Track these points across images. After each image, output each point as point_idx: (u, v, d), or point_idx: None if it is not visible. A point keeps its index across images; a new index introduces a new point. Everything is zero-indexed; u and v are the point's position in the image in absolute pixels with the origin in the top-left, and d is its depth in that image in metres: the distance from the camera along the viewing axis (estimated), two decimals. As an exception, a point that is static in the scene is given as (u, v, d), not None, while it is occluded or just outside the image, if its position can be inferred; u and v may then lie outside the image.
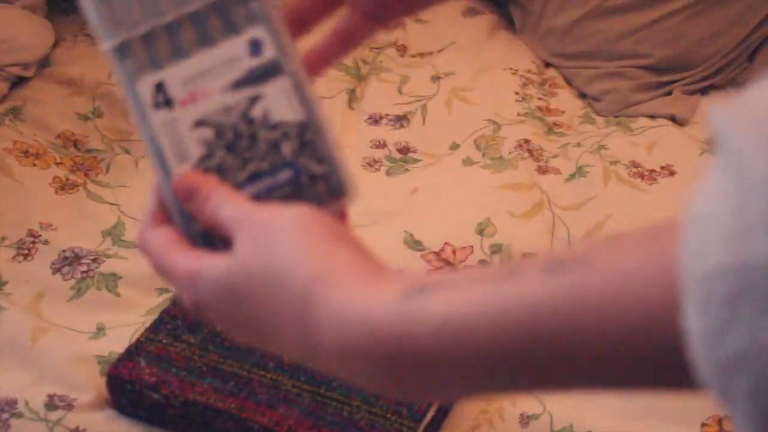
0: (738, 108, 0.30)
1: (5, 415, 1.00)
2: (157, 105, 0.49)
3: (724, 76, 1.63)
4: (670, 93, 1.59)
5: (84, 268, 1.20)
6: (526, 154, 1.43)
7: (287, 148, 0.49)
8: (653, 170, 1.42)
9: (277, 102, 0.49)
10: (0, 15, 1.51)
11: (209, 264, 0.44)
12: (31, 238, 1.24)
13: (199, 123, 0.49)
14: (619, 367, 0.32)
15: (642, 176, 1.41)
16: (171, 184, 0.49)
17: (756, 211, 0.27)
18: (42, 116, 1.45)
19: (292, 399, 0.98)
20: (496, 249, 1.27)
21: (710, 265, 0.28)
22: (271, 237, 0.42)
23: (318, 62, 0.56)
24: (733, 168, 0.29)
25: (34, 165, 1.35)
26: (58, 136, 1.42)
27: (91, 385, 1.03)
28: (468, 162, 1.43)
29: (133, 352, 1.03)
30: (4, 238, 1.24)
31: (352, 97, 1.57)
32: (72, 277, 1.19)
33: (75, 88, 1.53)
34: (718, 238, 0.28)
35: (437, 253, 1.25)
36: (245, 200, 0.47)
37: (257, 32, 0.49)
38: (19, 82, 1.52)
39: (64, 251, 1.22)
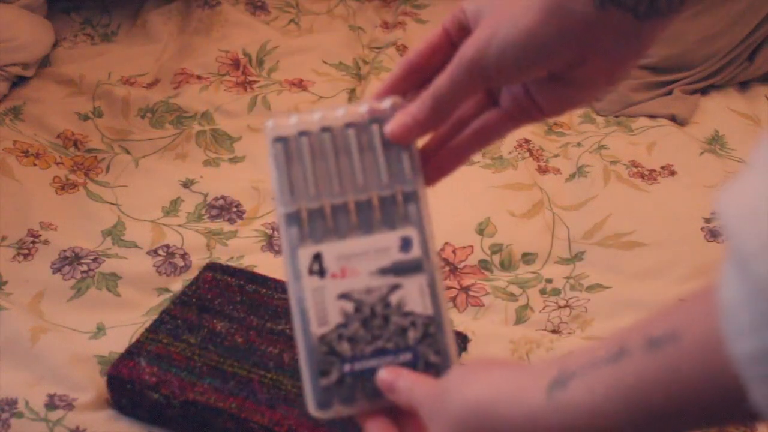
0: (736, 205, 0.37)
1: (5, 415, 1.00)
2: (312, 272, 0.57)
3: (724, 76, 1.63)
4: (670, 93, 1.59)
5: (84, 268, 1.20)
6: (527, 154, 1.43)
7: (412, 335, 0.57)
8: (653, 170, 1.42)
9: (413, 295, 0.57)
10: (0, 15, 1.51)
11: None
12: (31, 238, 1.24)
13: (343, 296, 0.57)
14: (708, 418, 0.41)
15: (642, 176, 1.41)
16: (307, 342, 0.57)
17: (765, 308, 0.34)
18: (42, 116, 1.45)
19: (292, 399, 0.98)
20: (496, 249, 1.27)
21: (747, 349, 0.35)
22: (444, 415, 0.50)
23: (452, 159, 0.61)
24: (740, 269, 0.36)
25: (34, 165, 1.35)
26: (58, 136, 1.42)
27: (91, 385, 1.03)
28: (468, 162, 1.43)
29: (133, 352, 1.03)
30: (4, 238, 1.24)
31: (352, 97, 1.57)
32: (72, 277, 1.19)
33: (75, 88, 1.53)
34: (743, 328, 0.35)
35: (437, 253, 1.25)
36: (424, 384, 0.54)
37: (410, 232, 0.57)
38: (19, 82, 1.52)
39: (64, 251, 1.22)
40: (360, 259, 0.57)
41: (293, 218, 0.57)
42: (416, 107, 0.57)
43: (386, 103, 0.58)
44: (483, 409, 0.48)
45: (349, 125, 0.58)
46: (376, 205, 0.57)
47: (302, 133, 0.58)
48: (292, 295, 0.57)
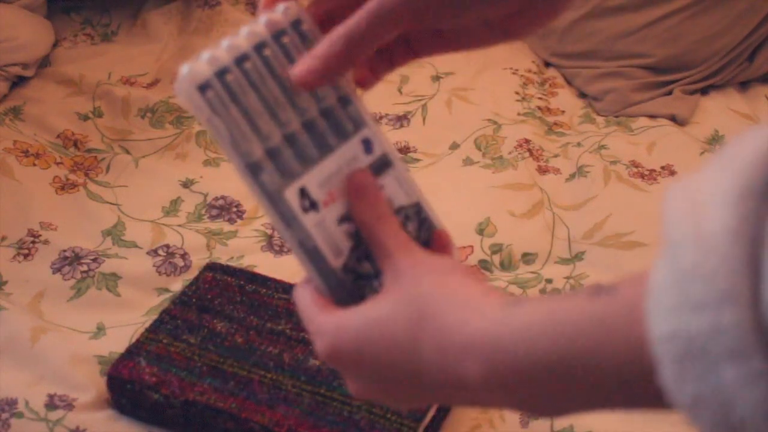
0: (680, 196, 0.39)
1: (5, 415, 1.00)
2: (305, 209, 0.53)
3: (724, 76, 1.63)
4: (670, 93, 1.59)
5: (84, 268, 1.20)
6: (527, 154, 1.43)
7: (412, 228, 0.57)
8: (653, 170, 1.42)
9: (395, 189, 0.57)
10: (0, 15, 1.51)
11: (351, 316, 0.50)
12: (31, 238, 1.24)
13: (342, 219, 0.54)
14: (617, 384, 0.42)
15: (642, 176, 1.41)
16: (331, 278, 0.54)
17: (685, 293, 0.37)
18: (42, 116, 1.45)
19: (292, 399, 0.98)
20: (496, 249, 1.27)
21: (663, 329, 0.37)
22: (410, 282, 0.49)
23: (366, 79, 0.58)
24: (670, 255, 0.38)
25: (34, 165, 1.35)
26: (58, 136, 1.42)
27: (91, 385, 1.03)
28: (468, 162, 1.43)
29: (133, 352, 1.03)
30: (4, 238, 1.24)
31: (352, 97, 1.57)
32: (72, 277, 1.19)
33: (75, 88, 1.53)
34: (663, 310, 0.37)
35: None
36: (399, 230, 0.53)
37: (365, 133, 0.56)
38: (19, 82, 1.53)
39: (64, 251, 1.22)
40: (338, 178, 0.55)
41: (256, 166, 0.52)
42: (326, 48, 0.51)
43: (279, 11, 0.54)
44: (438, 298, 0.48)
45: (260, 46, 0.53)
46: (321, 120, 0.55)
47: (221, 72, 0.52)
48: (292, 240, 0.53)
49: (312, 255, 0.53)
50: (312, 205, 0.53)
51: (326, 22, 0.55)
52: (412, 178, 0.57)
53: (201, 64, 0.52)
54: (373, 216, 0.53)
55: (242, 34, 0.53)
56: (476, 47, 0.55)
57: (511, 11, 0.52)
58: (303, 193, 0.53)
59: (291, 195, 0.53)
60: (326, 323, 0.51)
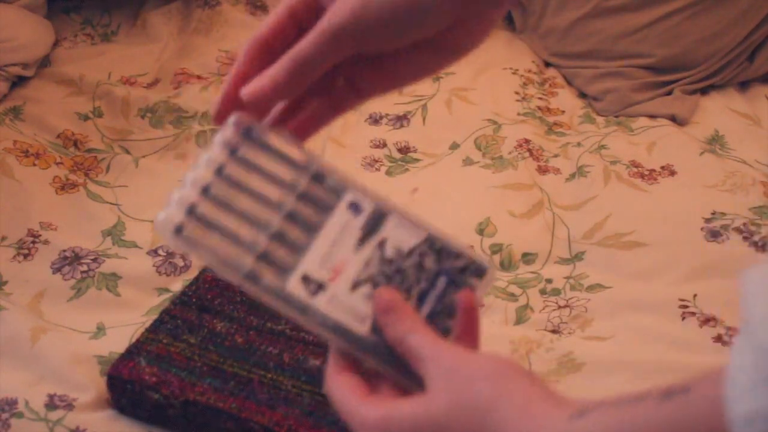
0: (757, 278, 0.40)
1: (5, 415, 1.00)
2: (313, 293, 0.54)
3: (724, 76, 1.63)
4: (670, 93, 1.59)
5: (84, 268, 1.20)
6: (527, 154, 1.43)
7: (430, 262, 0.56)
8: (653, 170, 1.42)
9: (399, 236, 0.56)
10: (0, 15, 1.51)
11: (401, 409, 0.50)
12: (31, 238, 1.24)
13: (355, 285, 0.55)
14: None
15: (642, 176, 1.41)
16: (364, 346, 0.54)
17: (762, 370, 0.38)
18: (42, 116, 1.45)
19: (292, 399, 0.98)
20: (496, 249, 1.27)
21: (743, 410, 0.38)
22: (464, 385, 0.49)
23: (310, 127, 0.59)
24: (748, 334, 0.39)
25: (34, 165, 1.35)
26: (58, 136, 1.42)
27: (91, 385, 1.03)
28: (468, 162, 1.43)
29: (133, 352, 1.03)
30: (4, 238, 1.24)
31: (352, 97, 1.57)
32: (72, 277, 1.19)
33: (75, 88, 1.53)
34: (741, 391, 0.38)
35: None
36: (436, 337, 0.52)
37: (349, 198, 0.56)
38: (19, 82, 1.52)
39: (64, 251, 1.22)
40: (337, 251, 0.55)
41: (252, 275, 0.55)
42: (275, 70, 0.54)
43: (230, 123, 0.56)
44: (500, 409, 0.48)
45: (220, 169, 0.56)
46: (300, 206, 0.56)
47: (190, 208, 0.55)
48: (313, 327, 0.54)
49: (336, 331, 0.54)
50: (319, 287, 0.55)
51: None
52: (413, 214, 0.57)
53: (172, 208, 0.55)
54: (404, 330, 0.53)
55: (201, 163, 0.56)
56: (415, 78, 0.57)
57: (448, 25, 0.53)
58: (306, 279, 0.55)
59: (294, 287, 0.54)
60: (371, 416, 0.51)
